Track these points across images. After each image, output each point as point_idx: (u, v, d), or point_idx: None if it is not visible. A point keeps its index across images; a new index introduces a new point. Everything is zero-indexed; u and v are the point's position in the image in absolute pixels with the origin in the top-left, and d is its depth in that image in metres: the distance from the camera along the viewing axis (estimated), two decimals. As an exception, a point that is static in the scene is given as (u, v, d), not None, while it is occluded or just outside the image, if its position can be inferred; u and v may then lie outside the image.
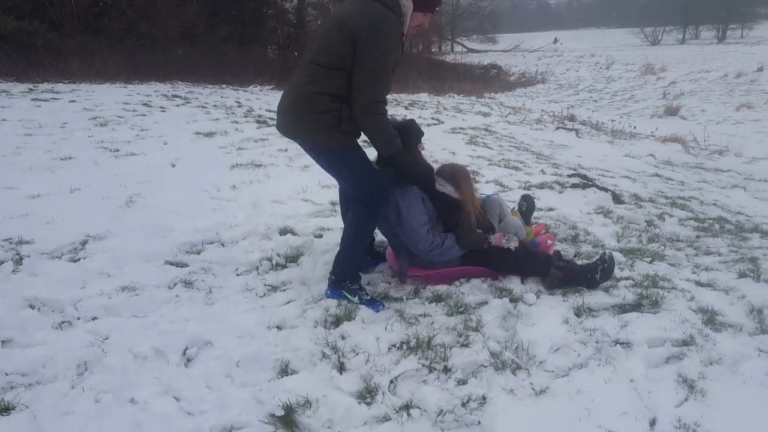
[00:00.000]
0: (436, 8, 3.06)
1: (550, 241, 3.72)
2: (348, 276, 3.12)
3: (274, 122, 7.81)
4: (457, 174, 3.44)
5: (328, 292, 3.14)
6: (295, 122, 2.92)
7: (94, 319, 2.84)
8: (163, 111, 8.30)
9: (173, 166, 5.47)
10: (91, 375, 2.42)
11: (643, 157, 9.03)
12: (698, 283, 3.50)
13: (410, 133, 3.21)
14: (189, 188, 4.79)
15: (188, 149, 6.10)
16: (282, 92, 3.07)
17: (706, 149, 10.61)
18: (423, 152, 3.41)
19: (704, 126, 12.92)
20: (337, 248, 3.70)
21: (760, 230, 5.10)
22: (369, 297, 3.13)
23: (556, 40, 55.11)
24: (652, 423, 2.20)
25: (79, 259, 3.43)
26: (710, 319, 2.98)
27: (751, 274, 3.67)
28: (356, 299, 3.07)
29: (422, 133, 3.33)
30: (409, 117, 10.23)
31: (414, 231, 3.19)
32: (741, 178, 8.12)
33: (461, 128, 9.69)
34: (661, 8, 65.92)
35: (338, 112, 2.80)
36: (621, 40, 60.39)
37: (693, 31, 64.84)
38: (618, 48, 49.11)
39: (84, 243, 3.65)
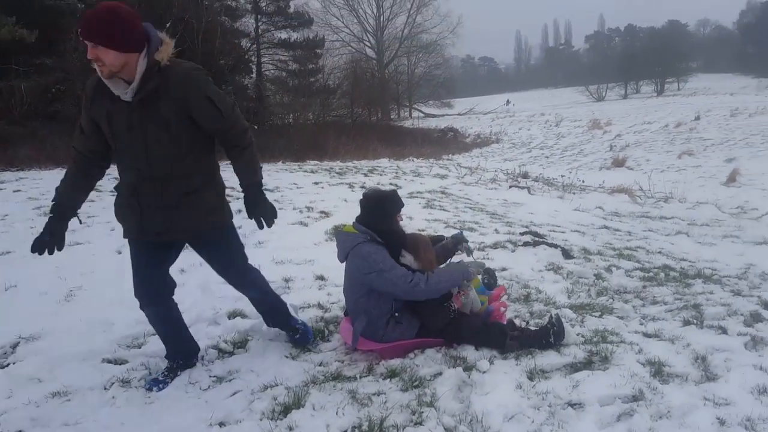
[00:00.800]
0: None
1: (503, 308, 3.75)
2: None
3: (229, 198, 7.80)
4: (417, 244, 3.54)
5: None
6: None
7: (18, 432, 2.67)
8: (113, 194, 8.18)
9: (119, 253, 5.34)
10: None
11: (592, 210, 9.30)
12: (645, 335, 3.54)
13: (393, 202, 3.43)
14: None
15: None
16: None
17: (651, 197, 11.03)
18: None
19: (649, 175, 13.47)
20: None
21: (703, 275, 5.26)
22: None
23: (508, 102, 57.43)
24: (607, 489, 2.17)
25: (7, 365, 3.26)
26: (658, 371, 3.00)
27: (695, 321, 3.76)
28: None
29: (402, 204, 3.50)
30: (369, 184, 10.39)
31: (388, 271, 3.20)
32: (684, 224, 8.42)
33: (419, 192, 9.86)
34: (603, 67, 69.97)
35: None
36: (568, 98, 63.40)
37: (634, 86, 68.77)
38: (566, 106, 51.46)
39: (15, 346, 3.49)
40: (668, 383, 2.88)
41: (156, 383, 3.03)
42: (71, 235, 5.84)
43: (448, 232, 6.38)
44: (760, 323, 3.74)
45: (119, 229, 5.99)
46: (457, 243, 3.95)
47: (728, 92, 48.30)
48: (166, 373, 3.11)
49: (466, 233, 4.02)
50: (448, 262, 3.88)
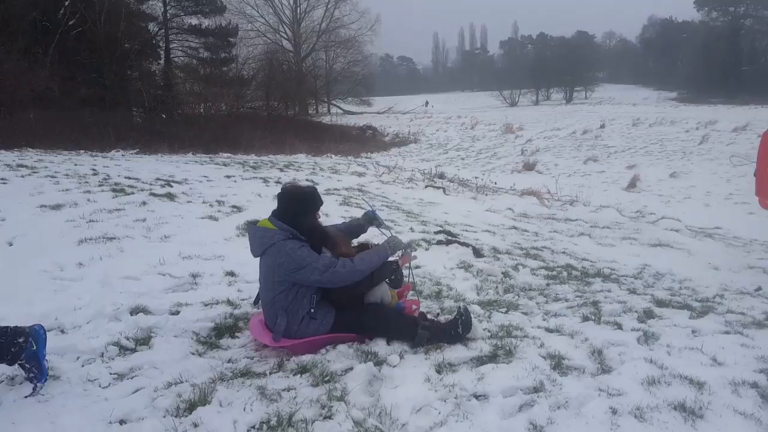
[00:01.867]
0: None
1: (414, 306, 3.81)
2: None
3: (132, 190, 7.46)
4: (334, 239, 3.56)
5: None
6: None
7: None
8: (5, 183, 7.55)
9: (10, 245, 4.94)
10: None
11: (502, 211, 9.70)
12: (547, 330, 3.74)
13: (314, 199, 3.43)
14: (27, 269, 4.33)
15: (30, 225, 5.55)
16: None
17: (558, 200, 11.65)
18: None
19: (556, 179, 14.22)
20: (198, 324, 3.55)
21: (602, 274, 5.63)
22: None
23: (426, 103, 58.52)
24: (506, 476, 2.26)
25: None
26: (557, 364, 3.17)
27: (593, 317, 4.01)
28: None
29: (322, 202, 3.52)
30: (284, 179, 10.23)
31: (304, 258, 3.19)
32: (587, 226, 8.97)
33: (336, 189, 9.85)
34: (517, 73, 73.04)
35: None
36: (483, 102, 65.67)
37: (545, 93, 72.46)
38: (481, 109, 53.21)
39: None
40: (567, 375, 3.05)
41: None
42: (-47, 225, 5.36)
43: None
44: (652, 319, 4.06)
45: (10, 219, 5.62)
46: (369, 221, 3.91)
47: (631, 102, 51.89)
48: None
49: (382, 231, 4.06)
50: (359, 239, 3.91)
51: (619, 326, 3.85)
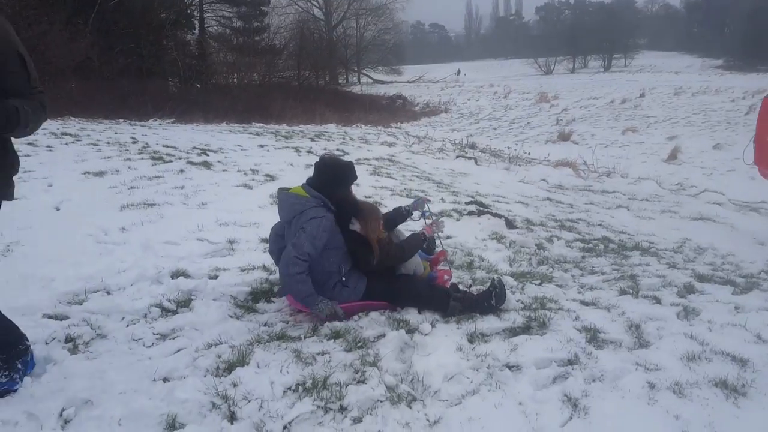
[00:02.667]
0: None
1: (447, 276, 3.82)
2: None
3: (170, 158, 7.60)
4: (368, 214, 3.50)
5: None
6: None
7: (-45, 384, 2.57)
8: (50, 150, 7.78)
9: (57, 209, 5.12)
10: (-51, 452, 2.18)
11: (536, 182, 9.56)
12: (583, 303, 3.71)
13: (351, 172, 3.46)
14: (73, 233, 4.49)
15: (75, 191, 5.73)
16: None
17: (595, 172, 11.41)
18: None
19: (593, 150, 13.89)
20: (235, 289, 3.63)
21: (640, 248, 5.52)
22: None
23: (459, 72, 57.45)
24: (539, 445, 2.28)
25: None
26: (593, 337, 3.15)
27: (631, 291, 3.95)
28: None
29: (356, 177, 3.53)
30: (315, 149, 10.27)
31: (300, 236, 3.16)
32: (625, 199, 8.78)
33: (366, 159, 9.84)
34: (552, 40, 70.99)
35: None
36: (517, 70, 64.18)
37: (582, 61, 70.28)
38: (515, 78, 52.05)
39: (-51, 300, 3.31)
40: (602, 349, 3.03)
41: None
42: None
43: (394, 200, 6.45)
44: (692, 294, 3.98)
45: (57, 185, 5.80)
46: (416, 207, 3.89)
47: (673, 71, 50.05)
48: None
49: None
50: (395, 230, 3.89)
51: (658, 301, 3.79)
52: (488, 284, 3.57)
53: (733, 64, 58.35)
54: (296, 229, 3.23)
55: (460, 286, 3.84)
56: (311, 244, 3.16)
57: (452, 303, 3.37)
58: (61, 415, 2.40)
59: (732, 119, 21.06)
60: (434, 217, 3.89)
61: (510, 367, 2.80)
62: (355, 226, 3.45)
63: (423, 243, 3.60)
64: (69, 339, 3.00)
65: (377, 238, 3.43)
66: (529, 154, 13.43)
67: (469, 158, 11.54)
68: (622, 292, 3.94)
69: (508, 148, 13.80)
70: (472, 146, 14.06)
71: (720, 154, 15.06)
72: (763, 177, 6.97)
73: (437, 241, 4.06)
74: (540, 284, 4.04)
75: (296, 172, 7.40)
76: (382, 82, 48.40)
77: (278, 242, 3.48)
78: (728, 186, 10.43)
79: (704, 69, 52.67)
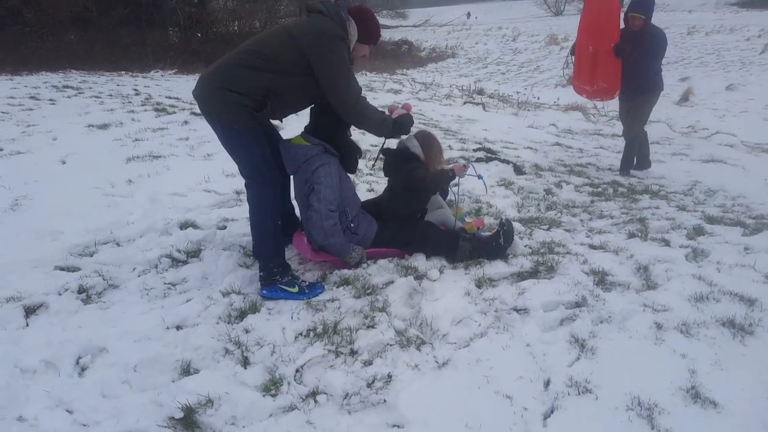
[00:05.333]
0: (377, 40, 3.20)
1: (479, 226, 3.76)
2: (275, 268, 3.04)
3: (174, 109, 7.52)
4: (431, 141, 3.57)
5: (264, 291, 3.01)
6: (211, 91, 2.87)
7: (-27, 335, 2.64)
8: (53, 104, 7.72)
9: (63, 163, 5.12)
10: (-28, 396, 2.25)
11: (545, 128, 9.41)
12: (591, 246, 3.70)
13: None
14: (80, 186, 4.50)
15: (80, 144, 5.71)
16: (199, 76, 2.98)
17: (605, 115, 11.20)
18: None
19: (602, 93, 13.57)
20: (244, 239, 3.64)
21: (650, 191, 5.47)
22: (307, 282, 3.10)
23: (469, 15, 55.62)
24: (546, 384, 2.32)
25: (-46, 272, 3.15)
26: (601, 280, 3.16)
27: (639, 234, 3.94)
28: (296, 290, 3.00)
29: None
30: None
31: (323, 186, 3.13)
32: (635, 142, 8.63)
33: (372, 107, 9.67)
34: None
35: (262, 100, 2.84)
36: (526, 11, 62.05)
37: None
38: (524, 20, 50.44)
39: (-41, 253, 3.36)
40: (610, 291, 3.05)
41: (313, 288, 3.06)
42: (11, 144, 5.57)
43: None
44: (702, 236, 3.97)
45: (61, 139, 5.78)
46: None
47: (686, 9, 48.23)
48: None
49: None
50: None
51: (667, 243, 3.78)
52: (496, 226, 3.56)
53: (749, 1, 56.09)
54: (304, 180, 3.20)
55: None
56: (332, 191, 3.15)
57: (461, 244, 3.37)
58: (77, 362, 2.47)
59: (746, 59, 20.40)
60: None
61: (517, 311, 2.83)
62: (416, 149, 3.48)
63: (450, 180, 3.53)
64: (82, 290, 3.05)
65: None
66: (538, 98, 13.16)
67: (477, 104, 11.35)
68: (631, 235, 3.93)
69: (517, 92, 13.51)
70: (480, 92, 13.79)
71: (733, 95, 14.66)
72: (577, 93, 6.42)
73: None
74: (548, 229, 4.03)
75: (301, 121, 7.28)
76: (387, 27, 46.96)
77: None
78: (740, 127, 10.20)
79: (719, 6, 50.54)
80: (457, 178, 3.53)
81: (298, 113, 3.31)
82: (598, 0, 5.79)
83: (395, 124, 3.15)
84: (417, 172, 3.40)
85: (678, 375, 2.36)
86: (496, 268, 3.29)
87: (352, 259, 3.25)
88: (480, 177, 3.66)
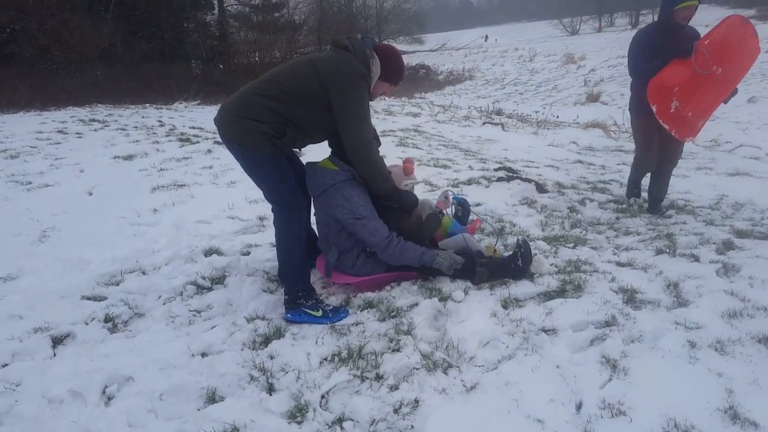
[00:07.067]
0: (400, 81, 3.26)
1: (479, 225, 3.75)
2: (299, 292, 3.06)
3: (198, 139, 7.66)
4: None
5: (288, 315, 3.02)
6: (231, 119, 2.93)
7: (3, 366, 2.67)
8: (80, 137, 7.93)
9: (90, 194, 5.24)
10: (1, 427, 2.26)
11: (566, 145, 9.35)
12: (618, 264, 3.63)
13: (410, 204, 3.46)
14: (107, 216, 4.59)
15: (106, 175, 5.84)
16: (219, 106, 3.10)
17: (626, 132, 11.08)
18: None
19: (623, 110, 13.47)
20: (268, 264, 3.66)
21: (676, 206, 5.37)
22: (331, 306, 3.10)
23: (486, 38, 55.94)
24: (579, 406, 2.25)
25: (-15, 304, 3.21)
26: (630, 297, 3.09)
27: (668, 250, 3.86)
28: (320, 314, 3.00)
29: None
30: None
31: (368, 220, 3.17)
32: (658, 158, 8.50)
33: (391, 130, 9.75)
34: (577, -1, 68.63)
35: (281, 128, 2.90)
36: (542, 32, 62.37)
37: (608, 19, 67.84)
38: (540, 40, 50.64)
39: (-8, 286, 3.43)
40: (640, 309, 2.97)
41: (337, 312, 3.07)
42: (40, 177, 5.72)
43: (421, 170, 6.37)
44: (732, 251, 3.86)
45: (88, 170, 5.92)
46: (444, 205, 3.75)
47: (704, 24, 47.96)
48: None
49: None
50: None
51: (696, 258, 3.69)
52: (513, 247, 3.51)
53: (767, 14, 55.51)
54: (329, 203, 3.20)
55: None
56: (376, 219, 3.19)
57: (478, 269, 3.33)
58: (104, 392, 2.47)
59: (767, 71, 20.13)
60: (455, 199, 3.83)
61: (546, 331, 2.77)
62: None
63: (438, 222, 3.50)
64: (108, 319, 3.08)
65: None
66: (557, 117, 13.13)
67: (496, 124, 11.34)
68: (659, 252, 3.85)
69: (536, 112, 13.51)
70: (499, 112, 13.79)
71: (755, 108, 14.42)
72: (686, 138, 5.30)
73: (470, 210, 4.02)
74: (574, 247, 3.97)
75: (322, 148, 7.36)
76: (404, 53, 47.37)
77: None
78: (765, 140, 10.00)
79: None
80: (444, 210, 3.54)
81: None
82: (742, 29, 5.14)
83: (398, 194, 3.23)
84: (403, 224, 3.39)
85: (714, 395, 2.27)
86: (522, 287, 3.24)
87: (442, 264, 3.28)
88: (459, 198, 3.79)
